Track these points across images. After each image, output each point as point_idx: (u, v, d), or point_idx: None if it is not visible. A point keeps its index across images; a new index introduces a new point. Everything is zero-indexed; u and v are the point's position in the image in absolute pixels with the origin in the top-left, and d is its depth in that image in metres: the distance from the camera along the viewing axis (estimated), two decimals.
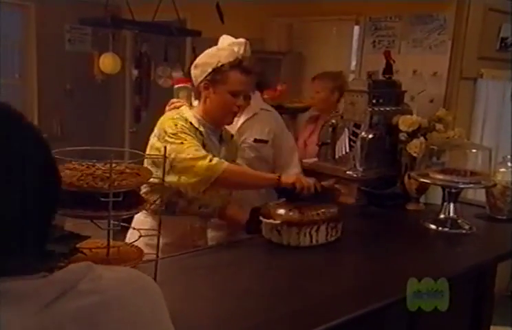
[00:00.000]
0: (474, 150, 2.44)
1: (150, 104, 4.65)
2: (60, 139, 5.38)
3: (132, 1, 5.00)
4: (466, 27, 3.87)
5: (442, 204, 2.40)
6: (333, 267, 1.93)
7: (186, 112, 2.14)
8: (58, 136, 5.71)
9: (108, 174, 1.22)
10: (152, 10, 4.74)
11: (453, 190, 2.34)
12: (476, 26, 3.90)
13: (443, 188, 2.37)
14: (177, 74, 4.79)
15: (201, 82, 2.10)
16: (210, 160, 1.97)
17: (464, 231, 2.34)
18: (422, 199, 2.74)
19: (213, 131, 2.19)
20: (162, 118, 2.14)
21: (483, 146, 2.49)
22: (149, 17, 4.76)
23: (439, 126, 2.61)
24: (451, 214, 2.36)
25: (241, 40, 2.23)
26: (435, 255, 2.20)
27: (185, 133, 2.02)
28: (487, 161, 2.38)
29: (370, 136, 2.65)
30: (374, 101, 2.70)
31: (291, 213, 1.97)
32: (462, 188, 2.34)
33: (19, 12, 5.79)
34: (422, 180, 2.39)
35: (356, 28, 4.44)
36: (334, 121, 2.84)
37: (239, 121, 2.59)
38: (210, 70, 2.07)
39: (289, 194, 2.02)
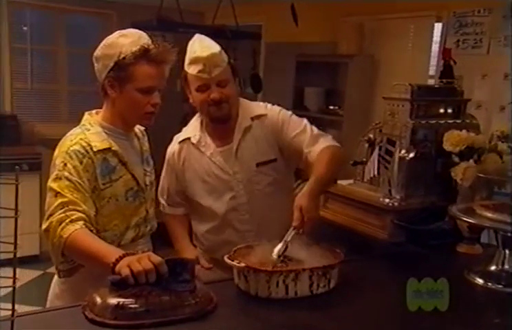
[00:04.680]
0: None
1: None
2: None
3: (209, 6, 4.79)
4: None
5: (496, 250, 1.79)
6: None
7: (93, 129, 1.72)
8: None
9: None
10: (228, 15, 4.52)
11: (509, 234, 1.72)
12: None
13: (494, 230, 1.76)
14: None
15: (104, 78, 1.71)
16: (62, 223, 1.52)
17: None
18: (483, 238, 2.12)
19: (127, 135, 1.81)
20: (63, 142, 1.70)
21: None
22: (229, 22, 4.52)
23: (502, 146, 1.98)
24: (506, 265, 1.74)
25: None
26: (476, 326, 1.58)
27: (69, 179, 1.59)
28: None
29: (411, 155, 2.11)
30: (420, 112, 2.15)
31: None
32: None
33: (101, 20, 5.88)
34: (464, 219, 1.79)
35: (437, 26, 3.78)
36: (371, 135, 2.34)
37: (233, 145, 2.02)
38: (112, 64, 1.67)
39: (121, 285, 1.35)
